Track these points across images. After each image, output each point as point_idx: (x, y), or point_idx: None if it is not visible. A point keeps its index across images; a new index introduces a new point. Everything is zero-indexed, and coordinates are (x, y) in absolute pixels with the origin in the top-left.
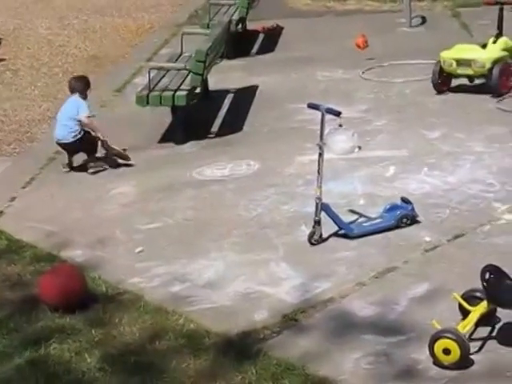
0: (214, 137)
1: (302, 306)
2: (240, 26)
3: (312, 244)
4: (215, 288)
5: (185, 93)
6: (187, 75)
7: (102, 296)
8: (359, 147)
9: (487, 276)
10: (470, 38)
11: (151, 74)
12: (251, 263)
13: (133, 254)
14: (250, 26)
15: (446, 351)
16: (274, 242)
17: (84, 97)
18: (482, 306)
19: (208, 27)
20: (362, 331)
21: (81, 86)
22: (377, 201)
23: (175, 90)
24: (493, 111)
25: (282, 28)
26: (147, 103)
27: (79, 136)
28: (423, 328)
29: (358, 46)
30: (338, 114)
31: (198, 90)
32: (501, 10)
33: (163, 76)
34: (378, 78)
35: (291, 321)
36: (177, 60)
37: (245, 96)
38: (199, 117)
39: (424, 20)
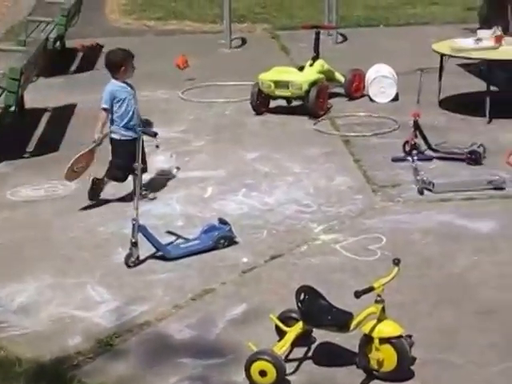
0: (29, 157)
1: (118, 330)
2: (58, 43)
3: (129, 266)
4: (28, 313)
5: None
6: (1, 93)
7: None
8: (178, 168)
9: (302, 297)
10: (289, 61)
11: None
12: (66, 286)
13: None
14: (69, 43)
15: (263, 373)
16: (90, 265)
17: (119, 78)
18: (298, 327)
19: (24, 44)
20: (178, 354)
21: (108, 64)
22: (195, 222)
23: None
24: (310, 132)
25: (101, 46)
26: None
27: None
28: (240, 350)
29: (178, 66)
30: (153, 135)
31: (12, 109)
32: (317, 33)
33: None
34: (198, 98)
35: (106, 346)
36: None
37: (62, 115)
38: (14, 136)
39: (244, 42)
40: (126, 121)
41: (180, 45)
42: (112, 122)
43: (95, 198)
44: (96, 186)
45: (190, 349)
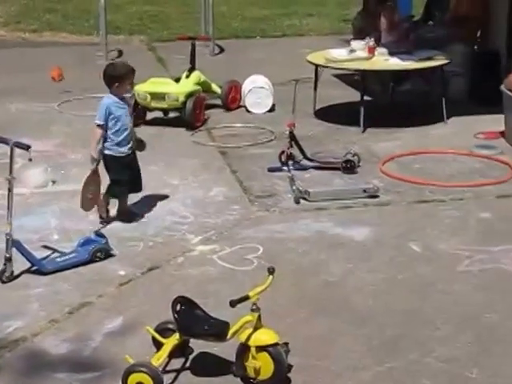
0: None
1: None
2: None
3: (3, 282)
4: None
5: None
6: None
7: None
8: (53, 181)
9: (178, 308)
10: (166, 72)
11: None
12: None
13: None
14: None
15: None
16: None
17: (116, 94)
18: (175, 338)
19: None
20: (55, 369)
21: (104, 77)
22: (71, 235)
23: None
24: (187, 144)
25: None
26: None
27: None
28: (118, 363)
29: (54, 79)
30: (26, 147)
31: None
32: (193, 45)
33: None
34: (74, 110)
35: None
36: None
37: None
38: None
39: (121, 53)
40: (121, 138)
41: (56, 57)
42: (105, 138)
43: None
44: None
45: (66, 363)
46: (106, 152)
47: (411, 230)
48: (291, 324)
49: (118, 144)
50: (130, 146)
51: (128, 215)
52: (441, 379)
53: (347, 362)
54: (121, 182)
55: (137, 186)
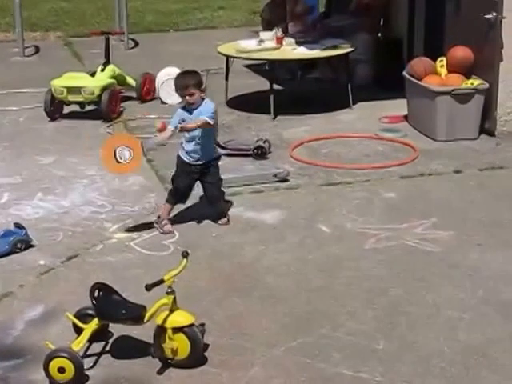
0: None
1: None
2: None
3: None
4: None
5: None
6: None
7: None
8: None
9: (96, 293)
10: (82, 67)
11: None
12: None
13: None
14: None
15: (61, 369)
16: None
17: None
18: (94, 323)
19: None
20: None
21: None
22: None
23: None
24: (104, 135)
25: None
26: None
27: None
28: (39, 350)
29: None
30: None
31: None
32: (107, 39)
33: None
34: None
35: None
36: None
37: None
38: None
39: (37, 50)
40: (188, 146)
41: None
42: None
43: None
44: None
45: None
46: (179, 153)
47: (320, 212)
48: (207, 305)
49: (186, 150)
50: (193, 157)
51: (160, 225)
52: (349, 351)
53: (261, 339)
54: (174, 185)
55: (209, 200)
